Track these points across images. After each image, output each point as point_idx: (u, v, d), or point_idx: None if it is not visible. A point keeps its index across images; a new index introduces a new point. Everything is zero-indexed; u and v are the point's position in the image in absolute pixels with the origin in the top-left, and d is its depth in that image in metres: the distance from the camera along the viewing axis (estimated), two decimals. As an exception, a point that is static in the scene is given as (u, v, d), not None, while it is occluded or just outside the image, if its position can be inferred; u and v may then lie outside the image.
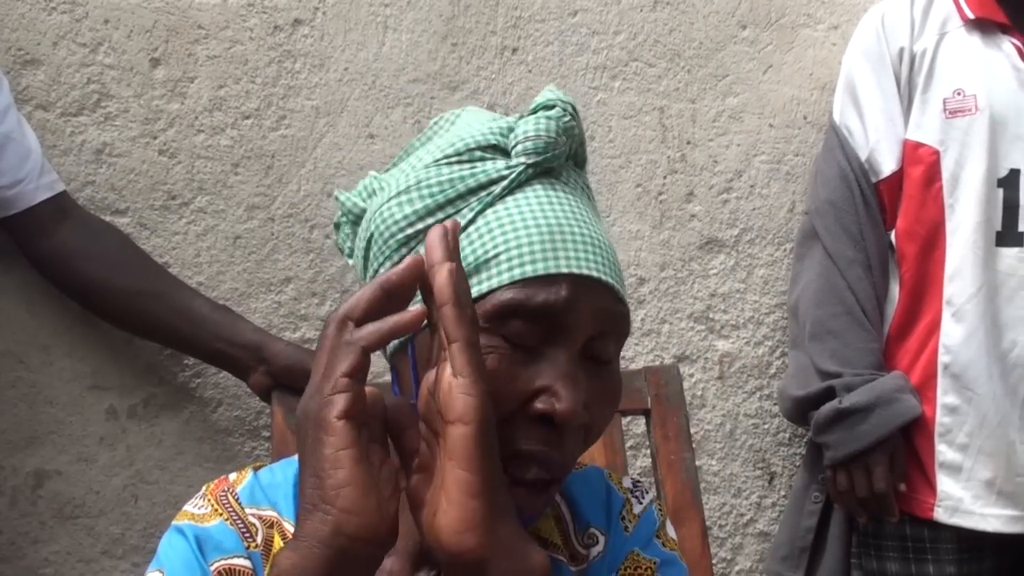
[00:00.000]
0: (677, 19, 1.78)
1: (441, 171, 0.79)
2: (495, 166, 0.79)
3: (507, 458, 0.73)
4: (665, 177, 1.76)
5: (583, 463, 0.96)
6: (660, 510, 0.93)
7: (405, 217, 0.79)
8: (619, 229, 1.73)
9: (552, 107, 0.81)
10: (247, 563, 0.81)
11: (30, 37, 1.44)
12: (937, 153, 1.56)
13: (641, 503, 0.93)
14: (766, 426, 1.82)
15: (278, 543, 0.84)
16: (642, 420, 1.67)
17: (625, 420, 1.59)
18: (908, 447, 1.57)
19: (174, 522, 0.84)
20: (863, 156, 1.63)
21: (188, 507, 0.85)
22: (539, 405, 0.73)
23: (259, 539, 0.83)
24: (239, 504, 0.85)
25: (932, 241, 1.57)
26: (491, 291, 0.74)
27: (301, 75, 1.57)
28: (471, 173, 0.79)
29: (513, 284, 0.74)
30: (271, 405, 1.37)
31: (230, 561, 0.81)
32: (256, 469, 0.88)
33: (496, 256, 0.75)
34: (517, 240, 0.75)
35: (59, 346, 1.45)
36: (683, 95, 1.78)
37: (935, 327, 1.55)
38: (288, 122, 1.55)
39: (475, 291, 0.75)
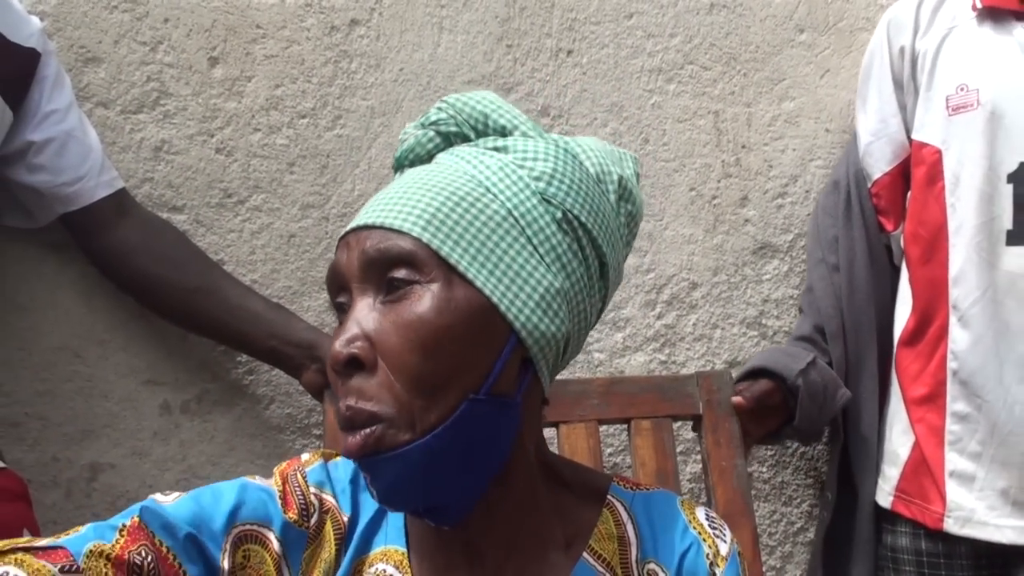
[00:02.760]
0: (733, 22, 1.76)
1: None
2: None
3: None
4: (719, 181, 1.75)
5: (652, 485, 0.95)
6: (740, 553, 0.92)
7: None
8: (672, 233, 1.72)
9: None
10: (273, 536, 0.82)
11: (92, 35, 1.46)
12: (939, 152, 1.52)
13: (725, 541, 0.90)
14: (818, 434, 1.80)
15: (328, 531, 0.85)
16: (693, 425, 1.67)
17: (676, 426, 1.58)
18: (917, 456, 1.54)
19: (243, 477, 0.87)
20: (860, 161, 1.63)
21: (258, 476, 0.87)
22: None
23: (312, 521, 0.85)
24: (306, 482, 0.87)
25: (935, 244, 1.52)
26: None
27: (357, 75, 1.57)
28: None
29: None
30: (323, 403, 1.38)
31: (258, 529, 0.82)
32: (326, 457, 0.90)
33: None
34: None
35: (115, 341, 1.47)
36: (738, 99, 1.77)
37: (943, 332, 1.51)
38: (343, 122, 1.56)
39: None
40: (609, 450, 1.67)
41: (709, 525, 0.91)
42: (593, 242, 0.84)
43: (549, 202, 0.82)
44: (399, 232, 0.77)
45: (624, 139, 1.70)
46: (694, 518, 0.91)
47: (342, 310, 0.80)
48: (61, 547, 0.72)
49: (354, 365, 0.75)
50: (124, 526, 0.76)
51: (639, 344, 1.70)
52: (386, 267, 0.77)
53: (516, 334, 0.79)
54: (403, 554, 0.86)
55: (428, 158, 0.87)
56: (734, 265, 1.76)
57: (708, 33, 1.75)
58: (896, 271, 1.65)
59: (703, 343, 1.73)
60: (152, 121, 1.48)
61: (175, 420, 1.49)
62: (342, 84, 1.56)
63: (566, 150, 0.85)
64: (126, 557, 0.74)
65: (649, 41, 1.72)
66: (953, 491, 1.49)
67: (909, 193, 1.59)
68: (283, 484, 0.86)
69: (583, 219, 0.83)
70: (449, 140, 0.87)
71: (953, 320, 1.50)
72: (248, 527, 0.82)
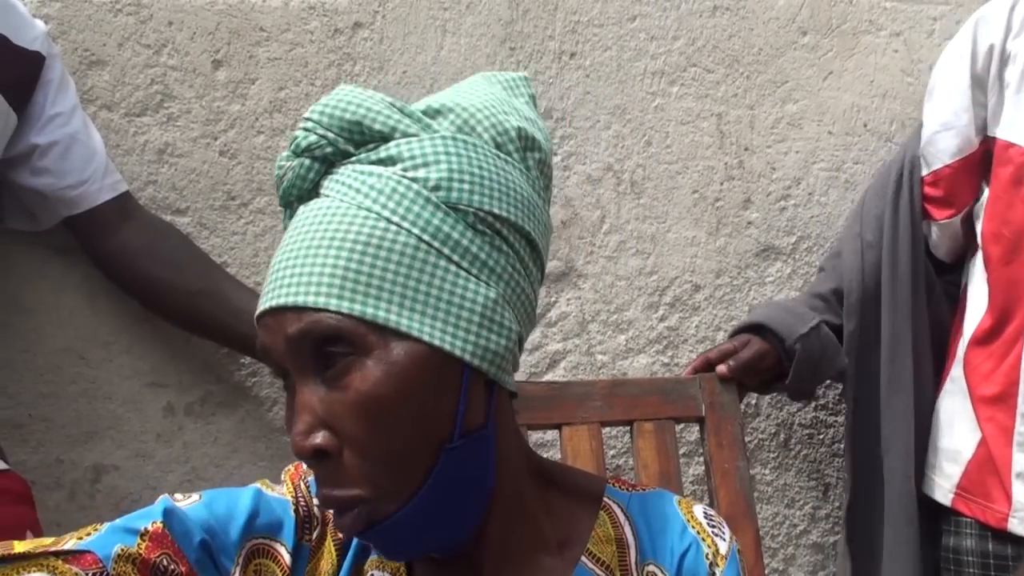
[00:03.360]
0: (736, 25, 1.77)
1: None
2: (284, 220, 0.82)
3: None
4: (722, 184, 1.75)
5: (648, 485, 0.94)
6: (739, 550, 0.90)
7: None
8: (675, 235, 1.72)
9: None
10: (285, 551, 0.82)
11: (96, 38, 1.46)
12: None
13: (724, 539, 0.88)
14: (821, 436, 1.80)
15: (329, 543, 0.85)
16: (696, 427, 1.67)
17: (679, 427, 1.58)
18: (983, 455, 1.53)
19: (254, 484, 0.85)
20: (920, 148, 1.62)
21: (268, 480, 0.87)
22: None
23: (314, 535, 0.84)
24: (309, 492, 0.86)
25: (1018, 244, 1.51)
26: None
27: (360, 78, 1.58)
28: None
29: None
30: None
31: (270, 543, 0.82)
32: None
33: None
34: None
35: (119, 343, 1.47)
36: (741, 101, 1.77)
37: (1020, 334, 1.49)
38: (346, 124, 1.56)
39: None
40: (612, 452, 1.67)
41: (708, 524, 0.89)
42: (514, 227, 0.78)
43: (455, 209, 0.75)
44: (313, 310, 0.71)
45: (627, 141, 1.70)
46: (692, 517, 0.89)
47: (286, 377, 0.76)
48: (88, 551, 0.71)
49: (320, 456, 0.72)
50: (146, 531, 0.75)
51: (642, 346, 1.70)
52: (315, 347, 0.72)
53: (468, 366, 0.75)
54: (399, 563, 0.85)
55: (314, 188, 0.77)
56: (737, 267, 1.76)
57: (711, 36, 1.75)
58: (931, 259, 1.66)
59: (706, 345, 1.73)
60: (156, 124, 1.49)
61: (179, 422, 1.50)
62: (345, 87, 1.57)
63: (455, 138, 0.76)
64: (152, 560, 0.73)
65: (652, 44, 1.72)
66: (1020, 491, 1.48)
67: (988, 191, 1.57)
68: (295, 492, 0.85)
69: (497, 210, 0.76)
70: (329, 160, 0.77)
71: None
72: (261, 541, 0.81)
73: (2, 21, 1.26)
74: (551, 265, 1.65)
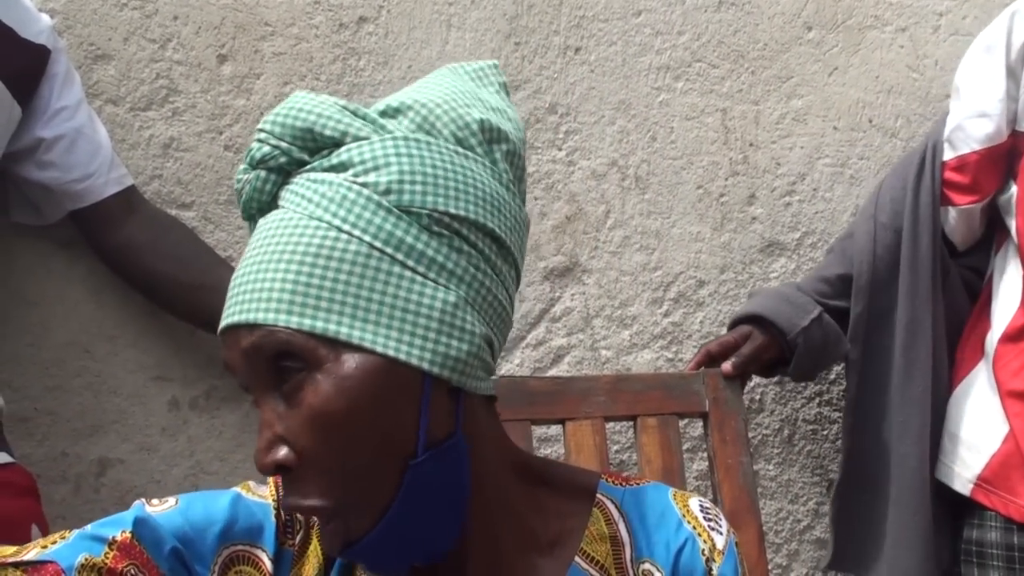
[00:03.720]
0: (742, 20, 1.76)
1: None
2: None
3: None
4: (727, 179, 1.75)
5: (642, 479, 0.92)
6: (737, 542, 0.88)
7: None
8: (679, 231, 1.72)
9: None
10: (266, 556, 0.80)
11: (101, 33, 1.46)
12: None
13: (721, 533, 0.87)
14: (825, 432, 1.80)
15: (315, 546, 0.83)
16: (699, 423, 1.67)
17: (682, 423, 1.58)
18: (1010, 448, 1.53)
19: (235, 487, 0.84)
20: (947, 132, 1.61)
21: (251, 483, 0.85)
22: None
23: (297, 539, 0.82)
24: None
25: None
26: None
27: (365, 72, 1.58)
28: None
29: None
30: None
31: (250, 549, 0.80)
32: None
33: None
34: None
35: (124, 337, 1.48)
36: (746, 96, 1.77)
37: None
38: (351, 119, 1.56)
39: None
40: (615, 447, 1.67)
41: (704, 518, 0.87)
42: (475, 225, 0.75)
43: (407, 212, 0.73)
44: (263, 327, 0.70)
45: (632, 137, 1.70)
46: (688, 511, 0.87)
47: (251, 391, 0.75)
48: (51, 561, 0.70)
49: (282, 471, 0.71)
50: (114, 540, 0.74)
51: (646, 341, 1.70)
52: (269, 362, 0.71)
53: (428, 375, 0.72)
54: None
55: (273, 200, 0.77)
56: (741, 263, 1.76)
57: (716, 31, 1.75)
58: (947, 244, 1.65)
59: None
60: (161, 118, 1.49)
61: (183, 416, 1.50)
62: (350, 81, 1.57)
63: (407, 139, 0.74)
64: (119, 570, 0.73)
65: (657, 39, 1.72)
66: None
67: (1016, 188, 1.56)
68: (276, 495, 0.83)
69: (453, 210, 0.74)
70: (286, 171, 0.76)
71: None
72: (240, 547, 0.80)
73: (8, 14, 1.26)
74: (555, 260, 1.65)
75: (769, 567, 1.59)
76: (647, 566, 0.85)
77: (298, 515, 0.82)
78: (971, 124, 1.59)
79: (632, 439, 1.64)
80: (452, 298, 0.73)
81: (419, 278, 0.73)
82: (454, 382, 0.74)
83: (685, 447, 1.68)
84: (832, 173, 1.80)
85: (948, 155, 1.61)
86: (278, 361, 0.71)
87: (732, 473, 1.47)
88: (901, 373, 1.60)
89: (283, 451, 0.71)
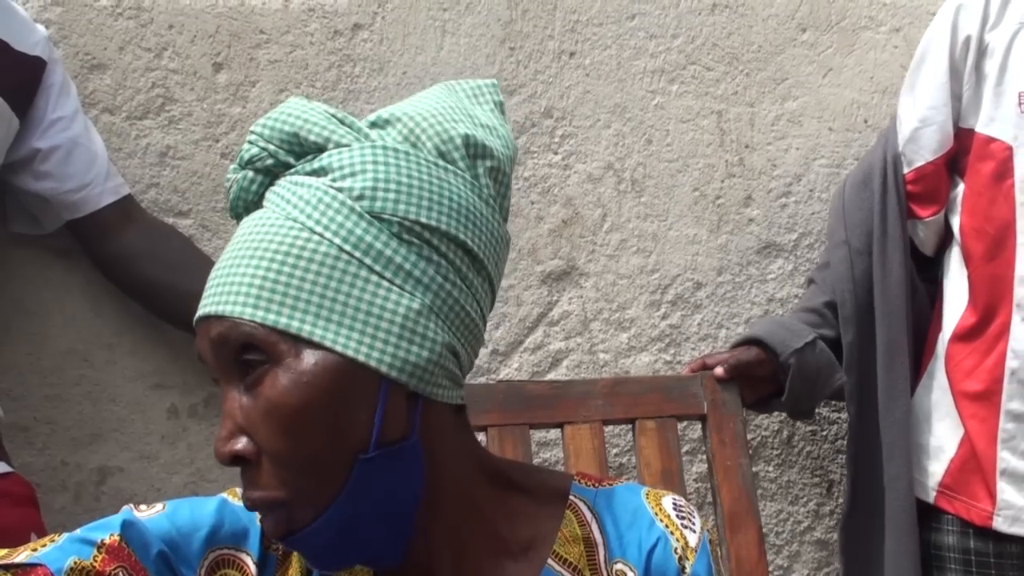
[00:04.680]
0: (736, 22, 1.77)
1: None
2: None
3: None
4: (723, 181, 1.75)
5: (615, 480, 0.91)
6: (711, 540, 0.87)
7: None
8: (676, 233, 1.72)
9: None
10: (251, 560, 0.81)
11: (97, 42, 1.47)
12: (1010, 149, 1.50)
13: (694, 531, 0.86)
14: (824, 433, 1.81)
15: (296, 553, 0.83)
16: (698, 425, 1.67)
17: (681, 425, 1.59)
18: (966, 452, 1.53)
19: (222, 493, 0.85)
20: (901, 146, 1.60)
21: (237, 488, 0.84)
22: None
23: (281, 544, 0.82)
24: None
25: (1002, 241, 1.50)
26: None
27: (360, 79, 1.58)
28: None
29: None
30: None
31: (235, 553, 0.81)
32: None
33: None
34: None
35: (122, 345, 1.48)
36: (741, 99, 1.77)
37: (1004, 330, 1.49)
38: (347, 126, 1.57)
39: None
40: (615, 451, 1.67)
41: (677, 516, 0.86)
42: (446, 236, 0.76)
43: (379, 218, 0.74)
44: (229, 319, 0.72)
45: (627, 140, 1.70)
46: (660, 510, 0.87)
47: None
48: (40, 564, 0.71)
49: (238, 462, 0.72)
50: (103, 543, 0.75)
51: (644, 344, 1.70)
52: (233, 354, 0.72)
53: (385, 377, 0.73)
54: (368, 572, 0.83)
55: (259, 199, 0.79)
56: (739, 265, 1.76)
57: (710, 33, 1.76)
58: (918, 258, 1.65)
59: (708, 343, 1.74)
60: (157, 127, 1.49)
61: (183, 424, 1.50)
62: (346, 88, 1.57)
63: (386, 148, 0.76)
64: (107, 573, 0.73)
65: (651, 42, 1.73)
66: (1004, 490, 1.48)
67: (963, 186, 1.57)
68: None
69: (425, 219, 0.75)
70: (272, 173, 0.78)
71: (1016, 319, 1.48)
72: (226, 551, 0.80)
73: (2, 27, 1.26)
74: (552, 264, 1.65)
75: (770, 569, 1.59)
76: (620, 566, 0.84)
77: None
78: (922, 135, 1.58)
79: (631, 442, 1.64)
80: (416, 305, 0.74)
81: (384, 283, 0.74)
82: (411, 387, 0.75)
83: (684, 449, 1.68)
84: (828, 174, 1.80)
85: (905, 168, 1.61)
86: (242, 353, 0.72)
87: (731, 475, 1.47)
88: (885, 395, 1.59)
89: (242, 441, 0.72)
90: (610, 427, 1.58)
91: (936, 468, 1.56)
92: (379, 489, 0.74)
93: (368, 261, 0.73)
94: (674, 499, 0.88)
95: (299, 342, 0.72)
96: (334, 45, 1.57)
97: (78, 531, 0.76)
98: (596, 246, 1.68)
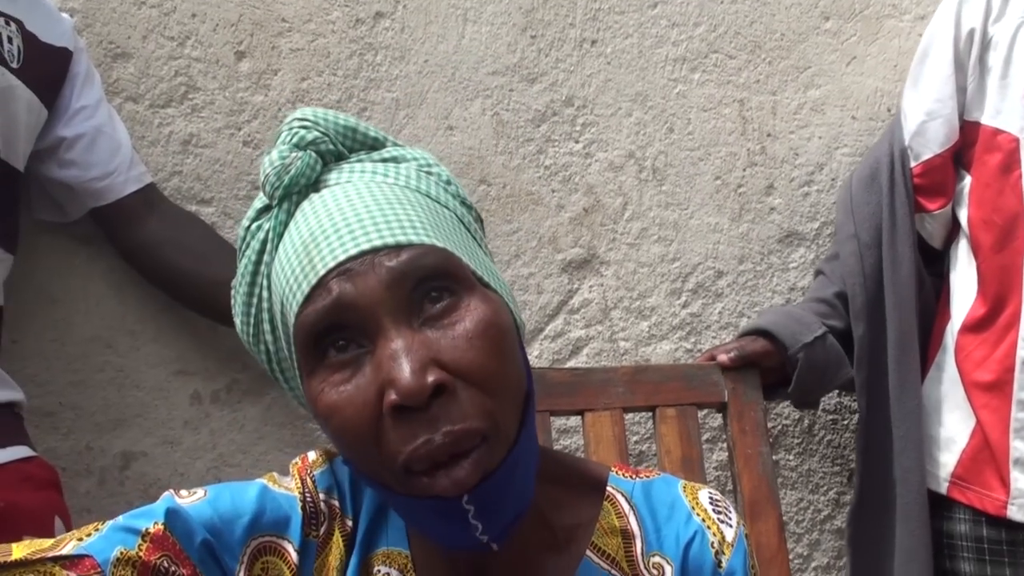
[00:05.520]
0: (758, 10, 1.76)
1: (239, 287, 0.81)
2: (260, 227, 0.78)
3: (405, 473, 0.69)
4: (745, 170, 1.75)
5: (653, 472, 0.91)
6: (747, 534, 0.87)
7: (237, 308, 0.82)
8: (697, 222, 1.72)
9: (280, 135, 0.78)
10: (292, 548, 0.80)
11: (121, 31, 1.48)
12: (1017, 140, 1.50)
13: (731, 526, 0.85)
14: (845, 421, 1.80)
15: (337, 538, 0.82)
16: (718, 413, 1.67)
17: (702, 413, 1.59)
18: (979, 442, 1.53)
19: (260, 479, 0.83)
20: (907, 140, 1.60)
21: (275, 474, 0.85)
22: (385, 401, 0.68)
23: (322, 530, 0.82)
24: (315, 487, 0.83)
25: (1010, 231, 1.50)
26: (293, 337, 0.73)
27: (382, 67, 1.58)
28: (248, 251, 0.79)
29: (297, 320, 0.71)
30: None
31: (277, 540, 0.80)
32: (330, 457, 0.86)
33: (282, 304, 0.74)
34: (286, 280, 0.73)
35: (146, 332, 1.49)
36: (764, 87, 1.76)
37: (1015, 320, 1.49)
38: (369, 114, 1.57)
39: (287, 344, 0.76)
40: (634, 438, 1.68)
41: (713, 510, 0.85)
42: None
43: (464, 204, 0.80)
44: (418, 246, 0.70)
45: (649, 128, 1.70)
46: (697, 504, 0.86)
47: (342, 352, 0.71)
48: (87, 555, 0.71)
49: (437, 394, 0.67)
50: (147, 532, 0.74)
51: (664, 332, 1.70)
52: (415, 285, 0.70)
53: (519, 329, 0.77)
54: (406, 557, 0.83)
55: (314, 183, 0.77)
56: (760, 253, 1.76)
57: (733, 21, 1.75)
58: (925, 251, 1.64)
59: (729, 332, 1.73)
60: (180, 115, 1.50)
61: (205, 409, 1.52)
62: (367, 76, 1.58)
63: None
64: (152, 563, 0.72)
65: (673, 30, 1.72)
66: (1018, 479, 1.48)
67: (969, 178, 1.57)
68: (302, 487, 0.83)
69: (481, 217, 0.83)
70: (324, 160, 0.78)
71: None
72: (267, 538, 0.79)
73: (30, 19, 1.28)
74: (573, 252, 1.65)
75: (790, 557, 1.59)
76: (657, 559, 0.84)
77: (322, 506, 0.82)
78: (928, 128, 1.59)
79: (651, 430, 1.64)
80: (504, 277, 0.80)
81: (487, 256, 0.79)
82: (521, 343, 0.78)
83: (704, 438, 1.68)
84: (851, 163, 1.80)
85: (912, 162, 1.61)
86: (427, 284, 0.70)
87: (752, 463, 1.47)
88: (896, 388, 1.59)
89: (438, 371, 0.68)
90: (630, 415, 1.58)
91: (948, 459, 1.56)
92: (534, 427, 0.77)
93: (472, 233, 0.79)
94: (710, 493, 0.88)
95: (474, 278, 0.73)
96: (356, 33, 1.57)
97: (121, 519, 0.75)
98: (617, 234, 1.68)
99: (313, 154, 0.76)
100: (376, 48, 1.58)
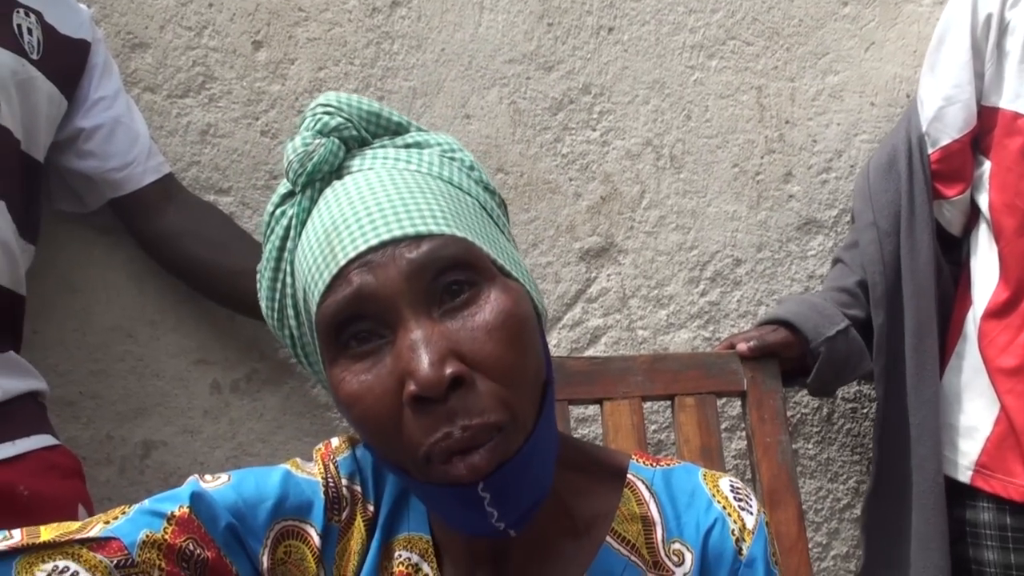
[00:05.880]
0: (776, -4, 1.75)
1: (264, 271, 0.82)
2: (284, 213, 0.78)
3: (426, 462, 0.70)
4: (763, 157, 1.74)
5: (673, 460, 0.91)
6: (768, 522, 0.87)
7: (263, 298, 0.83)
8: (715, 210, 1.71)
9: (303, 121, 0.78)
10: (314, 532, 0.81)
11: (138, 21, 1.48)
12: None
13: (751, 513, 0.85)
14: (864, 410, 1.80)
15: (359, 523, 0.83)
16: (737, 402, 1.66)
17: (720, 402, 1.58)
18: (1003, 429, 1.52)
19: (283, 464, 0.84)
20: (924, 126, 1.60)
21: (299, 460, 0.86)
22: (405, 391, 0.68)
23: (344, 515, 0.83)
24: (339, 472, 0.84)
25: None
26: (315, 326, 0.74)
27: (399, 56, 1.58)
28: (273, 237, 0.79)
29: (319, 309, 0.72)
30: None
31: (299, 525, 0.81)
32: (353, 443, 0.87)
33: (305, 292, 0.75)
34: (308, 268, 0.73)
35: (166, 321, 1.50)
36: (781, 74, 1.75)
37: None
38: (386, 103, 1.57)
39: (310, 331, 0.76)
40: (653, 427, 1.67)
41: (734, 497, 0.86)
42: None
43: (488, 189, 0.80)
44: (439, 237, 0.70)
45: (666, 116, 1.69)
46: (718, 491, 0.86)
47: (363, 342, 0.71)
48: (114, 538, 0.72)
49: (455, 386, 0.68)
50: (173, 515, 0.75)
51: (683, 321, 1.70)
52: (434, 276, 0.70)
53: (540, 316, 0.78)
54: (427, 542, 0.84)
55: (337, 169, 0.77)
56: (778, 241, 1.75)
57: (750, 8, 1.74)
58: (942, 239, 1.63)
59: (748, 320, 1.73)
60: (198, 105, 1.50)
61: (225, 399, 1.52)
62: (384, 65, 1.58)
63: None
64: (178, 546, 0.73)
65: (691, 17, 1.71)
66: None
67: (989, 163, 1.56)
68: (324, 472, 0.84)
69: (504, 203, 0.83)
70: (348, 146, 0.78)
71: None
72: (290, 522, 0.80)
73: (49, 11, 1.28)
74: (591, 241, 1.65)
75: (809, 546, 1.59)
76: (677, 546, 0.84)
77: (344, 491, 0.83)
78: (946, 114, 1.58)
79: (670, 419, 1.64)
80: (527, 265, 0.81)
81: (511, 243, 0.80)
82: (543, 331, 0.80)
83: (723, 426, 1.68)
84: (870, 150, 1.79)
85: (930, 149, 1.60)
86: (448, 274, 0.70)
87: (771, 452, 1.47)
88: (914, 376, 1.58)
89: (457, 364, 0.68)
90: (649, 403, 1.58)
91: (971, 448, 1.55)
92: (553, 417, 0.77)
93: (495, 220, 0.79)
94: (731, 481, 0.88)
95: (497, 268, 0.74)
96: (372, 22, 1.57)
97: (147, 502, 0.76)
98: (635, 223, 1.68)
99: (336, 140, 0.76)
100: (393, 37, 1.58)
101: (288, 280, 0.79)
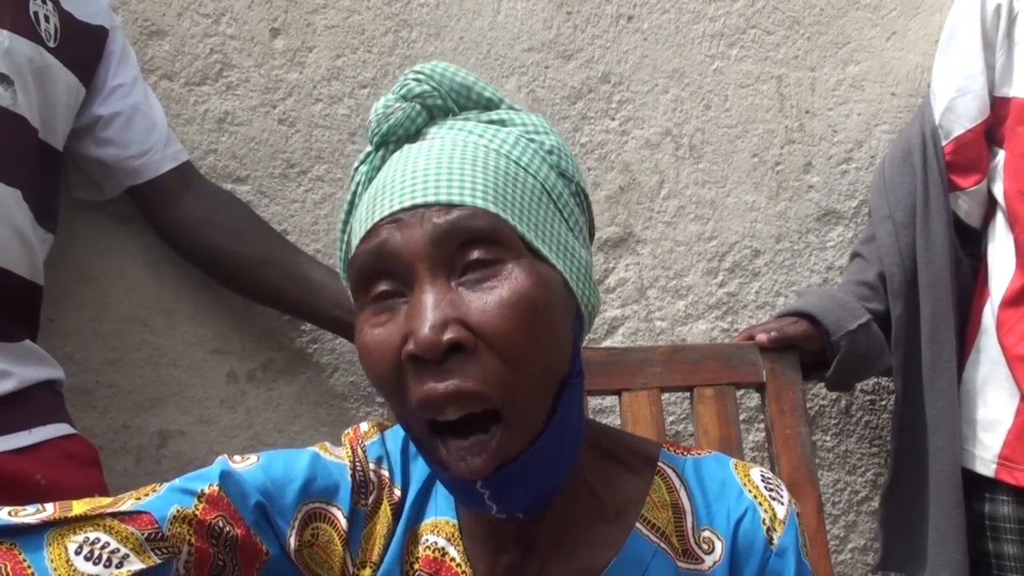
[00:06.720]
0: (797, -15, 1.74)
1: (340, 223, 0.84)
2: (358, 170, 0.81)
3: (415, 417, 0.72)
4: (782, 147, 1.73)
5: (703, 449, 0.92)
6: (799, 514, 0.87)
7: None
8: (734, 200, 1.70)
9: (396, 85, 0.80)
10: (341, 515, 0.82)
11: (156, 9, 1.47)
12: None
13: (782, 503, 0.86)
14: (883, 402, 1.78)
15: (385, 507, 0.85)
16: (756, 393, 1.65)
17: (739, 393, 1.57)
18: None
19: (312, 447, 0.86)
20: (937, 119, 1.59)
21: (327, 443, 0.87)
22: (404, 349, 0.70)
23: (371, 499, 0.84)
24: (366, 457, 0.86)
25: None
26: (347, 274, 0.78)
27: (417, 44, 1.57)
28: (348, 193, 0.82)
29: (352, 259, 0.76)
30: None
31: (326, 507, 0.82)
32: (381, 428, 0.89)
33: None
34: (358, 222, 0.77)
35: (182, 311, 1.49)
36: (802, 63, 1.74)
37: None
38: (404, 91, 1.56)
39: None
40: (671, 418, 1.67)
41: (765, 487, 0.86)
42: (591, 214, 0.84)
43: (564, 176, 0.79)
44: (470, 208, 0.71)
45: (686, 105, 1.68)
46: (749, 481, 0.87)
47: (385, 298, 0.73)
48: (145, 512, 0.73)
49: (454, 351, 0.69)
50: (203, 492, 0.76)
51: (701, 312, 1.69)
52: (459, 245, 0.71)
53: (579, 308, 0.78)
54: (454, 526, 0.84)
55: (415, 134, 0.78)
56: (797, 232, 1.74)
57: (771, -4, 1.73)
58: (963, 232, 1.62)
59: (767, 311, 1.72)
60: (216, 93, 1.50)
61: (241, 388, 1.52)
62: (402, 53, 1.57)
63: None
64: (208, 522, 0.75)
65: (711, 5, 1.70)
66: None
67: (1003, 153, 1.55)
68: (352, 456, 0.85)
69: (586, 192, 0.82)
70: (431, 114, 0.79)
71: None
72: (318, 505, 0.82)
73: None
74: (609, 231, 1.64)
75: (828, 538, 1.58)
76: (707, 534, 0.85)
77: (372, 475, 0.84)
78: (959, 104, 1.57)
79: (688, 410, 1.63)
80: (587, 257, 0.80)
81: (571, 231, 0.79)
82: (584, 325, 0.80)
83: (742, 418, 1.67)
84: (890, 140, 1.77)
85: (944, 140, 1.59)
86: (470, 246, 0.71)
87: (790, 444, 1.46)
88: (930, 367, 1.58)
89: (459, 329, 0.69)
90: (667, 394, 1.57)
91: (993, 440, 1.54)
92: (572, 416, 0.77)
93: (560, 206, 0.78)
94: (762, 471, 0.88)
95: (529, 250, 0.74)
96: (391, 10, 1.56)
97: (177, 481, 0.78)
98: (653, 213, 1.67)
99: (417, 106, 0.78)
100: (411, 25, 1.57)
101: (350, 231, 0.81)
